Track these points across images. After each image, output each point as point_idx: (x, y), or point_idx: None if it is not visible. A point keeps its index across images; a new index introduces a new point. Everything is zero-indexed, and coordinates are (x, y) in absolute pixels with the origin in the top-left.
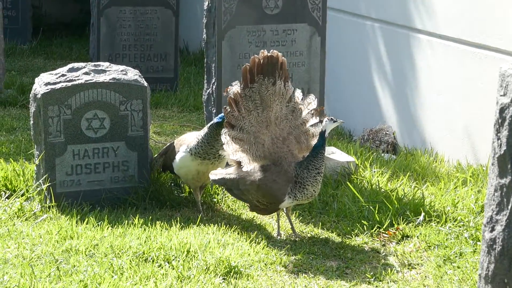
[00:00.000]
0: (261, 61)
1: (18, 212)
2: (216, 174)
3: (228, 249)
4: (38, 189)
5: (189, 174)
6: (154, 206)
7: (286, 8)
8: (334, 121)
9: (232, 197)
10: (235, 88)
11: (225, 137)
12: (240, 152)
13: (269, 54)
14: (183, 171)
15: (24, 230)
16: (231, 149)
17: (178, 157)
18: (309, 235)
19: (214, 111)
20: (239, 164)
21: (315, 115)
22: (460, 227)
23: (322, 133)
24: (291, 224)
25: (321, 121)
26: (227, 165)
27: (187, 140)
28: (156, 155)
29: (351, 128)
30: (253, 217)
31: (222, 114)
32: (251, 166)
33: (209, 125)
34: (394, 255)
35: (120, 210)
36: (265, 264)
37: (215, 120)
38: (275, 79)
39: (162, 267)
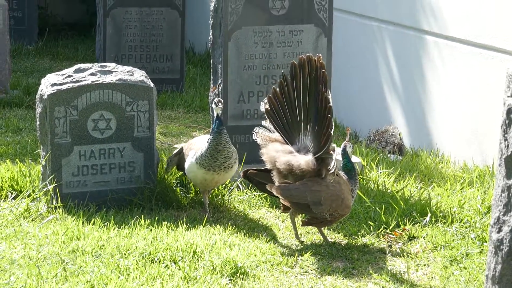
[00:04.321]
0: None
1: (25, 213)
2: (289, 189)
3: (235, 249)
4: (44, 189)
5: (197, 179)
6: (160, 206)
7: (293, 9)
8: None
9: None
10: None
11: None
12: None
13: None
14: (191, 175)
15: (30, 231)
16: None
17: (187, 162)
18: (315, 236)
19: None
20: (298, 176)
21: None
22: (467, 227)
23: (345, 151)
24: (323, 234)
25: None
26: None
27: (196, 146)
28: (171, 155)
29: (357, 129)
30: (259, 218)
31: (215, 125)
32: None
33: (208, 140)
34: (400, 256)
35: (126, 211)
36: (272, 265)
37: (212, 134)
38: None
39: (169, 268)
